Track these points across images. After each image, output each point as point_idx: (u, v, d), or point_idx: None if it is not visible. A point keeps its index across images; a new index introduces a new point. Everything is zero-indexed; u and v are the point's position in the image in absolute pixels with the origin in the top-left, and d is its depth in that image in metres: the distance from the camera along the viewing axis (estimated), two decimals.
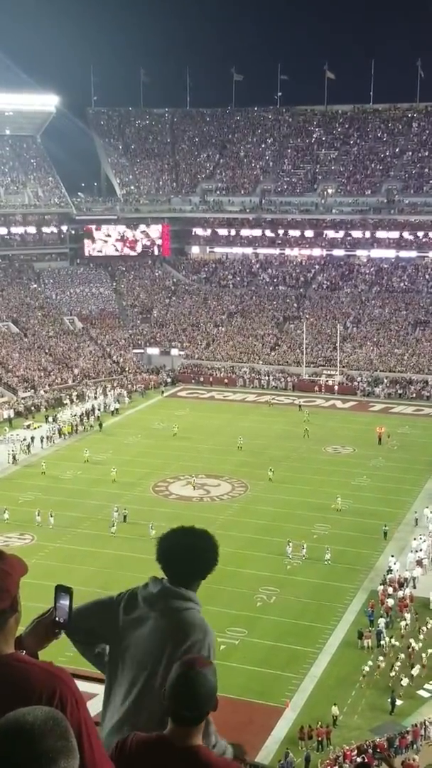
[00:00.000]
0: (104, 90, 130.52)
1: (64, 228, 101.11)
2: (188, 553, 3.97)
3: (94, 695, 3.93)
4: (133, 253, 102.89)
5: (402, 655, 32.98)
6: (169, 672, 3.25)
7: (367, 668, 32.04)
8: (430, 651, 33.12)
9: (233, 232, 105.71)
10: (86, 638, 4.00)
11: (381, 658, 32.98)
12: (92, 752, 2.77)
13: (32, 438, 62.46)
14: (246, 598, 37.55)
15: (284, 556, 41.82)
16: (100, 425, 67.94)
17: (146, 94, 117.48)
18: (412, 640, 33.93)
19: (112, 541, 44.48)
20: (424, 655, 32.87)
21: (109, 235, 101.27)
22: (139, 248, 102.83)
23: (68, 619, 3.44)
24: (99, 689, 4.06)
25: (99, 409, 71.73)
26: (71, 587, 3.49)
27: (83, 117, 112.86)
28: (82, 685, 3.07)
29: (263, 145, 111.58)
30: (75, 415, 69.30)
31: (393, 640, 34.19)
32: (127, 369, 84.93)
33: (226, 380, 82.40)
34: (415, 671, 31.85)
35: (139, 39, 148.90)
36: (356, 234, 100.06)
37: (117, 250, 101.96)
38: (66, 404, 73.16)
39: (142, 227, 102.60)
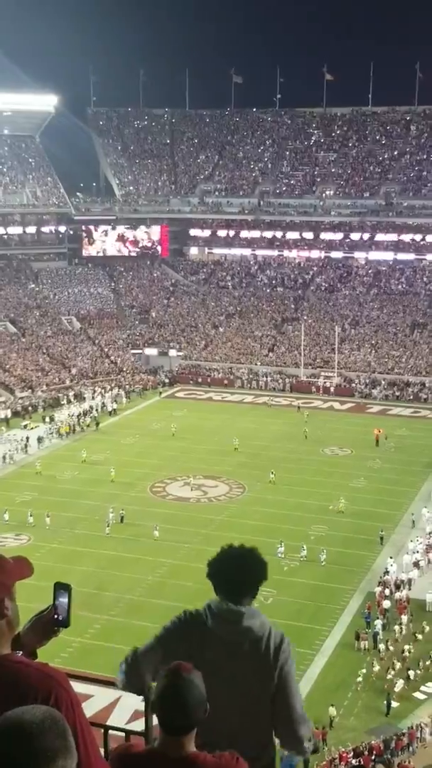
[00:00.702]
0: (103, 90, 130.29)
1: (63, 228, 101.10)
2: (247, 571, 3.93)
3: (90, 696, 3.93)
4: (131, 254, 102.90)
5: (398, 658, 32.96)
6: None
7: (363, 670, 32.03)
8: (425, 653, 33.14)
9: (232, 233, 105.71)
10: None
11: (377, 660, 32.97)
12: (88, 752, 2.76)
13: (27, 438, 62.35)
14: None
15: (278, 558, 41.77)
16: (97, 424, 67.93)
17: (145, 94, 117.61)
18: (408, 643, 33.93)
19: (109, 541, 44.44)
20: (420, 657, 32.86)
21: (107, 236, 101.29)
22: (137, 249, 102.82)
23: (67, 616, 3.42)
24: (95, 690, 4.07)
25: (97, 410, 71.70)
26: (70, 585, 3.47)
27: (82, 117, 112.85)
28: (78, 686, 3.05)
29: (262, 147, 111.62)
30: (72, 415, 69.26)
31: (389, 643, 34.19)
32: (124, 369, 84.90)
33: (224, 381, 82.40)
34: (411, 673, 31.83)
35: (139, 39, 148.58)
36: (354, 236, 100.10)
37: (115, 250, 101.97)
38: (63, 404, 73.13)
39: (141, 228, 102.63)
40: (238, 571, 3.87)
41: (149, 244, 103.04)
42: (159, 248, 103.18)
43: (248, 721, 3.74)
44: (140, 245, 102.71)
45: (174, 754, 3.06)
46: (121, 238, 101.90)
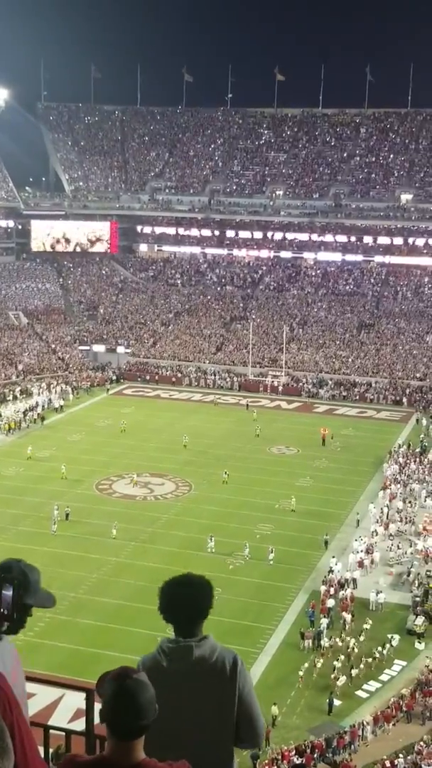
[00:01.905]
0: (54, 85, 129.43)
1: (11, 222, 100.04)
2: (191, 603, 3.97)
3: (32, 695, 3.83)
4: (80, 250, 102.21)
5: (341, 656, 33.19)
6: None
7: (305, 668, 32.18)
8: (367, 652, 33.41)
9: (182, 231, 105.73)
10: None
11: (320, 658, 33.16)
12: (25, 753, 2.68)
13: None
14: None
15: (227, 556, 41.83)
16: (42, 419, 67.37)
17: (97, 90, 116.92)
18: (351, 641, 34.18)
19: (54, 539, 44.05)
20: (363, 655, 33.12)
21: (55, 231, 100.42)
22: (86, 245, 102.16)
23: (11, 610, 3.33)
24: (37, 689, 3.97)
25: (43, 406, 71.07)
26: (15, 578, 3.38)
27: (33, 111, 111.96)
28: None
29: (213, 146, 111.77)
30: (18, 411, 68.54)
31: (332, 641, 34.39)
32: (72, 366, 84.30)
33: (172, 379, 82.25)
34: (354, 672, 32.06)
35: (91, 35, 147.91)
36: (303, 237, 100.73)
37: (64, 246, 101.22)
38: (9, 400, 72.32)
39: (90, 224, 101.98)
40: (184, 606, 3.93)
41: (97, 241, 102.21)
42: (107, 244, 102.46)
43: (214, 743, 3.82)
44: (89, 241, 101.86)
45: (125, 762, 2.98)
46: (70, 234, 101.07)
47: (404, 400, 75.83)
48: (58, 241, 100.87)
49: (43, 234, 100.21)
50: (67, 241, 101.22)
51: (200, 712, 3.78)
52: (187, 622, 3.94)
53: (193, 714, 3.75)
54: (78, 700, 4.20)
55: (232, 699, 3.81)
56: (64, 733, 4.27)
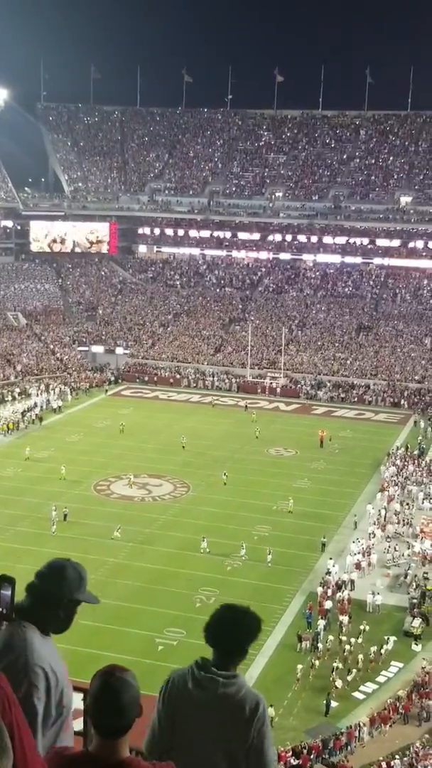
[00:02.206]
0: (54, 85, 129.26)
1: (10, 223, 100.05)
2: (235, 635, 3.99)
3: None
4: (79, 250, 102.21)
5: (338, 658, 33.23)
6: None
7: (301, 670, 32.22)
8: (364, 654, 33.46)
9: (181, 232, 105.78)
10: None
11: (317, 660, 33.20)
12: (24, 752, 2.73)
13: None
14: (185, 598, 37.51)
15: (225, 557, 41.88)
16: (41, 420, 67.41)
17: (96, 91, 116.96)
18: (348, 643, 34.23)
19: (51, 540, 44.03)
20: (360, 657, 33.17)
21: (53, 232, 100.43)
22: (85, 245, 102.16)
23: (9, 609, 3.37)
24: None
25: (42, 407, 71.08)
26: (13, 577, 3.42)
27: (32, 112, 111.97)
28: None
29: (212, 147, 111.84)
30: (16, 412, 68.55)
31: (330, 643, 34.44)
32: (70, 366, 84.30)
33: (170, 380, 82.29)
34: (351, 674, 32.11)
35: (91, 36, 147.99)
36: (303, 238, 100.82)
37: (63, 246, 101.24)
38: (8, 401, 72.33)
39: (89, 224, 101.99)
40: (228, 635, 3.96)
41: (97, 241, 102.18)
42: (107, 245, 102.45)
43: None
44: (88, 242, 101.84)
45: (109, 759, 3.01)
46: (70, 235, 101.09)
47: (402, 402, 75.91)
48: (55, 241, 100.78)
49: (42, 234, 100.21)
50: (63, 241, 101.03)
51: (210, 743, 3.81)
52: (226, 652, 3.98)
53: (203, 743, 3.80)
54: (75, 700, 4.24)
55: (245, 740, 3.81)
56: None
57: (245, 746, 3.82)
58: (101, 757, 3.01)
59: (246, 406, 73.55)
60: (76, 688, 4.20)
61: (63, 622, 3.67)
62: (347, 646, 33.99)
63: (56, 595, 3.68)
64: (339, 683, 31.54)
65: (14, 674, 3.33)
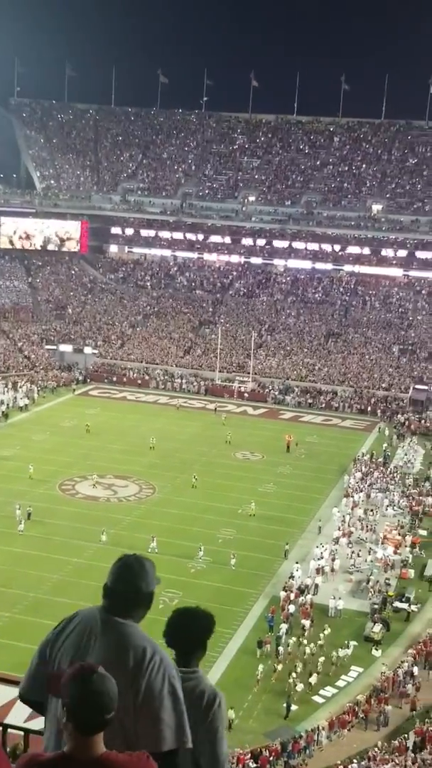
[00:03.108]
0: (28, 81, 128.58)
1: None
2: (189, 636, 4.16)
3: None
4: (50, 248, 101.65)
5: (299, 662, 33.36)
6: None
7: (262, 672, 32.31)
8: (324, 658, 33.63)
9: (153, 233, 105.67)
10: None
11: (278, 663, 33.31)
12: None
13: None
14: None
15: (188, 559, 41.89)
16: (6, 417, 67.02)
17: (71, 88, 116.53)
18: (309, 647, 34.37)
19: (16, 538, 43.79)
20: (321, 661, 33.32)
21: (22, 228, 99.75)
22: (55, 241, 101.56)
23: None
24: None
25: (8, 405, 70.67)
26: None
27: (5, 106, 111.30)
28: None
29: (186, 149, 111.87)
30: None
31: (291, 647, 34.56)
32: (38, 365, 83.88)
33: (139, 381, 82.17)
34: (312, 678, 32.24)
35: (66, 33, 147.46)
36: (274, 243, 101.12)
37: (33, 244, 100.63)
38: None
39: (60, 222, 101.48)
40: (183, 637, 4.11)
41: (68, 240, 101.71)
42: (77, 244, 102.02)
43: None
44: (59, 240, 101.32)
45: (86, 757, 2.99)
46: (40, 232, 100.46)
47: (369, 409, 76.37)
48: (24, 237, 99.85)
49: (11, 231, 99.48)
50: (30, 237, 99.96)
51: None
52: (184, 653, 4.13)
53: None
54: None
55: (198, 730, 3.82)
56: (22, 732, 4.31)
57: (197, 736, 3.83)
58: (79, 757, 3.00)
59: (216, 408, 73.64)
60: None
61: (144, 611, 3.82)
62: (308, 650, 34.14)
63: (143, 591, 3.86)
64: (299, 687, 31.67)
65: (143, 664, 3.49)
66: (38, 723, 4.07)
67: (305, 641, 35.11)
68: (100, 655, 3.51)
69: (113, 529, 45.67)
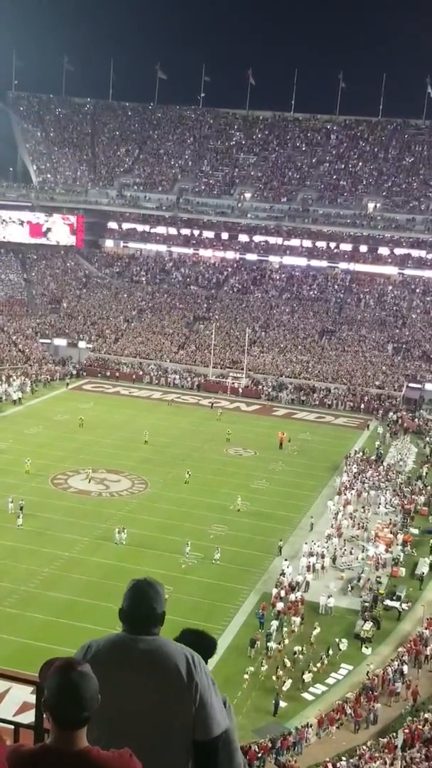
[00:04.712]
0: (26, 75, 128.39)
1: None
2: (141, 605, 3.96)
3: None
4: (45, 242, 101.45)
5: (288, 659, 33.40)
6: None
7: (251, 669, 32.34)
8: (315, 655, 33.66)
9: (148, 228, 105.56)
10: None
11: (268, 660, 33.34)
12: None
13: None
14: None
15: (180, 555, 41.90)
16: None
17: (69, 82, 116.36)
18: (300, 645, 34.41)
19: (7, 532, 43.75)
20: (311, 658, 33.35)
21: (21, 222, 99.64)
22: (52, 237, 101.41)
23: None
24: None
25: (1, 398, 70.58)
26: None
27: (3, 100, 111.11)
28: None
29: (183, 144, 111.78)
30: None
31: (281, 644, 34.59)
32: (32, 358, 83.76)
33: (132, 376, 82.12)
34: (301, 675, 32.27)
35: (64, 27, 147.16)
36: (270, 240, 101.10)
37: (29, 237, 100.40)
38: None
39: (57, 216, 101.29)
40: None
41: (64, 234, 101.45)
42: (73, 238, 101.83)
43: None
44: (55, 234, 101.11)
45: (68, 750, 3.03)
46: (36, 226, 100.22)
47: (362, 407, 76.45)
48: (22, 233, 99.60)
49: (8, 224, 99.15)
50: (36, 231, 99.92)
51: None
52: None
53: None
54: (24, 693, 4.26)
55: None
56: (12, 726, 4.31)
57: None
58: (60, 749, 3.04)
59: (212, 404, 73.67)
60: (28, 681, 4.21)
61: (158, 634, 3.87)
62: (297, 647, 34.18)
63: (158, 612, 3.87)
64: (288, 684, 31.71)
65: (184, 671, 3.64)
66: (26, 717, 4.07)
67: (295, 638, 35.14)
68: (144, 674, 3.62)
69: (105, 524, 45.63)
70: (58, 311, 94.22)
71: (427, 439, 67.44)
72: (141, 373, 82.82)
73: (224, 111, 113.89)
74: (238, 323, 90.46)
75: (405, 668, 32.82)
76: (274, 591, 38.51)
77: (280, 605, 37.28)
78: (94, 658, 3.67)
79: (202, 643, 4.20)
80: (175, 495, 51.19)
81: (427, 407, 76.04)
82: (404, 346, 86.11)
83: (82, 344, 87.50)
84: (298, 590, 39.22)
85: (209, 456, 59.80)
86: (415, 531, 47.91)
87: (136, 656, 3.68)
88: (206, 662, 4.08)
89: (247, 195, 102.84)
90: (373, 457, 60.99)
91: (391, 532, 46.61)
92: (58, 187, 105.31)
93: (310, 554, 42.74)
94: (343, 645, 34.71)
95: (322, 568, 42.15)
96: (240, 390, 79.06)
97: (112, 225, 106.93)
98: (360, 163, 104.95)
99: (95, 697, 3.11)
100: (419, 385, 78.76)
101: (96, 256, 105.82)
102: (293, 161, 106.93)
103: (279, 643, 34.56)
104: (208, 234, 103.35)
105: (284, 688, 31.51)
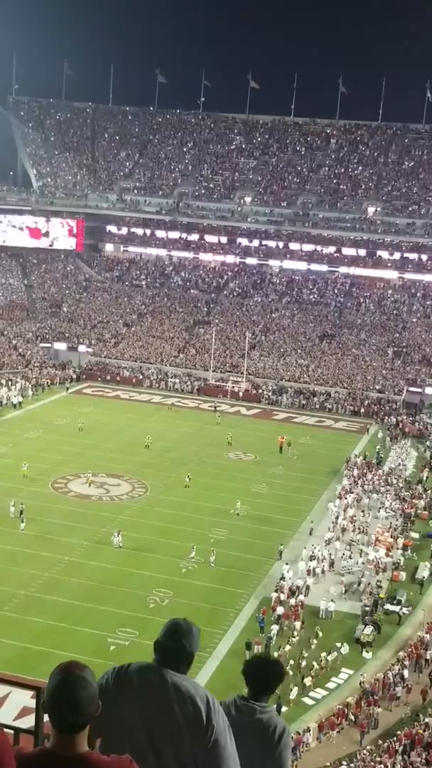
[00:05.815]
0: (26, 79, 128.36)
1: None
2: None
3: None
4: (45, 246, 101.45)
5: (289, 663, 33.32)
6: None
7: None
8: (316, 660, 33.60)
9: (148, 232, 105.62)
10: None
11: None
12: None
13: None
14: (139, 599, 37.46)
15: (180, 559, 41.87)
16: None
17: (69, 87, 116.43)
18: (300, 649, 34.35)
19: (6, 536, 43.70)
20: (311, 663, 33.30)
21: (21, 226, 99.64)
22: (52, 242, 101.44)
23: None
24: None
25: (1, 402, 70.56)
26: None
27: (3, 104, 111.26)
28: None
29: (183, 149, 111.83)
30: None
31: (281, 648, 34.52)
32: (32, 362, 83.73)
33: (132, 380, 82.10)
34: (302, 680, 32.22)
35: (64, 31, 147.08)
36: (270, 244, 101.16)
37: (29, 241, 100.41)
38: None
39: (57, 221, 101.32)
40: (268, 681, 4.84)
41: (64, 238, 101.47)
42: (73, 242, 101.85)
43: None
44: (55, 238, 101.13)
45: (67, 753, 3.03)
46: (36, 230, 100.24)
47: (362, 411, 76.42)
48: (22, 237, 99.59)
49: (8, 228, 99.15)
50: (36, 236, 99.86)
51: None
52: (259, 691, 4.80)
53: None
54: (24, 698, 4.25)
55: (269, 758, 4.54)
56: (12, 731, 4.29)
57: (266, 763, 4.57)
58: (60, 753, 3.04)
59: (215, 407, 73.62)
60: (27, 686, 4.20)
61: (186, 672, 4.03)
62: (299, 652, 34.11)
63: (187, 650, 4.07)
64: (289, 688, 31.63)
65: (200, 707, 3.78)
66: (26, 722, 4.05)
67: (295, 643, 35.08)
68: (168, 704, 3.77)
69: (105, 528, 45.60)
70: (58, 315, 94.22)
71: (428, 443, 67.42)
72: (141, 377, 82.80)
73: (224, 115, 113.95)
74: (238, 327, 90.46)
75: (405, 672, 32.78)
76: (274, 595, 38.46)
77: (280, 609, 37.24)
78: (126, 676, 3.89)
79: (274, 670, 4.85)
80: (175, 499, 51.14)
81: (427, 411, 75.97)
82: (404, 349, 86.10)
83: (82, 348, 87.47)
84: (298, 594, 39.17)
85: (209, 460, 59.76)
86: (416, 535, 47.89)
87: (164, 685, 3.83)
88: (278, 685, 4.88)
89: (247, 199, 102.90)
90: (374, 461, 60.95)
91: (391, 536, 46.57)
92: (58, 192, 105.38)
93: (311, 558, 42.71)
94: (344, 649, 34.66)
95: (323, 572, 42.12)
96: (240, 394, 79.02)
97: (112, 229, 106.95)
98: (360, 168, 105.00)
99: (93, 701, 3.10)
100: (419, 389, 78.72)
101: (96, 260, 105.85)
102: (293, 165, 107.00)
103: (279, 648, 34.49)
104: (209, 238, 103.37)
105: (290, 696, 31.29)
